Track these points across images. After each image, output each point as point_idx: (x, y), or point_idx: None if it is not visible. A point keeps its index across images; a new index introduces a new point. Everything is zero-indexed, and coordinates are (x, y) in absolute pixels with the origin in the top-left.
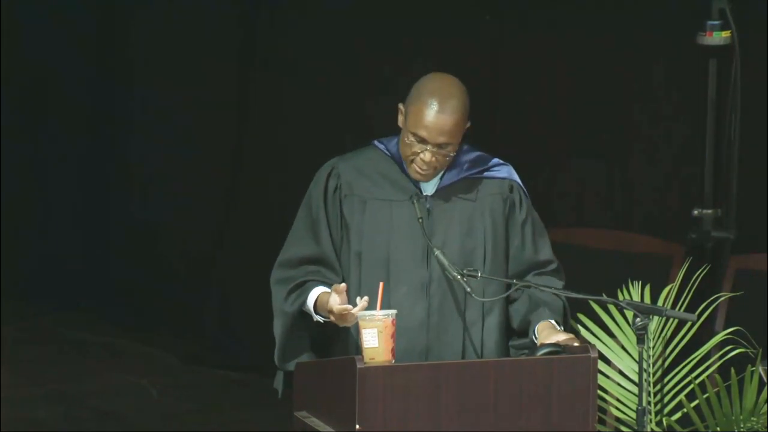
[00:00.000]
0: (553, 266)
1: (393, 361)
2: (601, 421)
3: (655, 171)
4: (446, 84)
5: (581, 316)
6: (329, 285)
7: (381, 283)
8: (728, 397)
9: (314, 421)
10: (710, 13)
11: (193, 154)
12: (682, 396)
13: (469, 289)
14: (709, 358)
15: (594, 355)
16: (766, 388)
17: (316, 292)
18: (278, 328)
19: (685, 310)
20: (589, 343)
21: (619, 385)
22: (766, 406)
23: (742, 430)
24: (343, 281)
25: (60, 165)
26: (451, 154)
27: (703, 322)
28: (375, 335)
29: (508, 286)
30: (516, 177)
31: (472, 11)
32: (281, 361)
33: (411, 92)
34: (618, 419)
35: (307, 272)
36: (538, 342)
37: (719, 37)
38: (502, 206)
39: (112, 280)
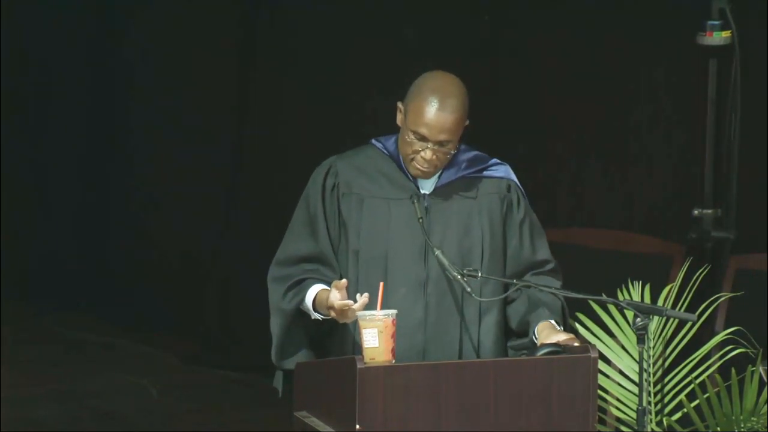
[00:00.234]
0: (551, 266)
1: (393, 361)
2: (602, 421)
3: (655, 171)
4: (446, 82)
5: (581, 316)
6: (327, 283)
7: (381, 284)
8: (728, 397)
9: (314, 421)
10: (710, 13)
11: (193, 154)
12: (682, 396)
13: (469, 289)
14: (710, 358)
15: (594, 355)
16: (766, 388)
17: (314, 290)
18: (276, 326)
19: (685, 310)
20: (590, 343)
21: (620, 385)
22: (766, 406)
23: (742, 430)
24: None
25: (60, 165)
26: (452, 152)
27: (703, 322)
28: (375, 335)
29: (507, 286)
30: (513, 176)
31: (472, 11)
32: (278, 359)
33: (411, 90)
34: (618, 419)
35: (305, 270)
36: (538, 342)
37: (719, 37)
38: (499, 206)
39: (112, 280)
